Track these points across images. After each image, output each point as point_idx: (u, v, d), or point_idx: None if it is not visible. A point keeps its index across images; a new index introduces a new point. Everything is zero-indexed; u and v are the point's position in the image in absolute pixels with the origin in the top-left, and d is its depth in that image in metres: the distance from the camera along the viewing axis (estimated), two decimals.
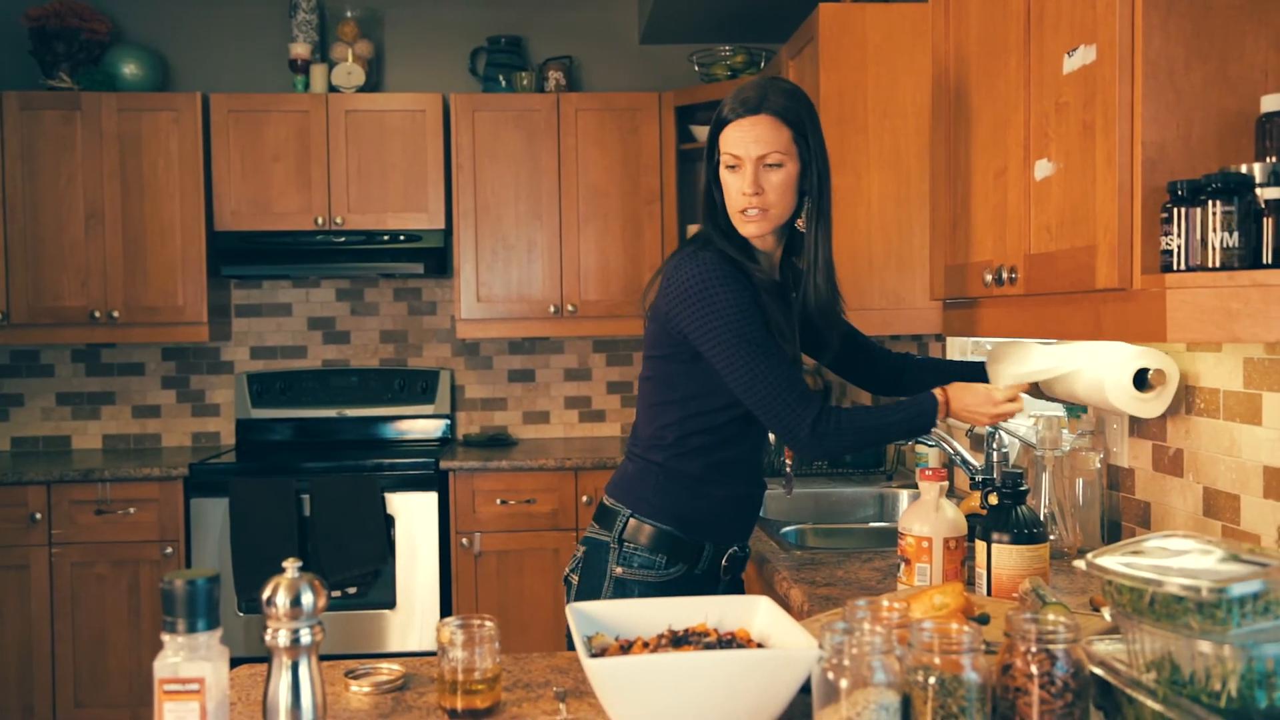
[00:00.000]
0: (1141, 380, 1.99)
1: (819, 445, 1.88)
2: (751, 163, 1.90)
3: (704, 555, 2.00)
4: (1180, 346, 2.01)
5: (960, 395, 1.92)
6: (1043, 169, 1.74)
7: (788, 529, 2.73)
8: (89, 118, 4.15)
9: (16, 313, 4.13)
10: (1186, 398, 2.00)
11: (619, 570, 1.97)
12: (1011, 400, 1.92)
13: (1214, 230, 1.35)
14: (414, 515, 3.91)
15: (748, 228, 1.94)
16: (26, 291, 4.13)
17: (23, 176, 4.12)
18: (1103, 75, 1.53)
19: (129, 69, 4.30)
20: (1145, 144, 1.47)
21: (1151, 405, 2.00)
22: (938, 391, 1.93)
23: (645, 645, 1.32)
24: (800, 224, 1.98)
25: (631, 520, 1.99)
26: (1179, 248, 1.39)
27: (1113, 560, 1.16)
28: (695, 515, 1.99)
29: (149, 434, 4.57)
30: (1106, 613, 1.53)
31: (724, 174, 1.95)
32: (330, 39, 4.50)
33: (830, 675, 1.12)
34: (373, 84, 4.52)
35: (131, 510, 3.90)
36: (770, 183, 1.91)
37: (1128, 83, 1.49)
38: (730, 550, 2.04)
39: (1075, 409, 2.37)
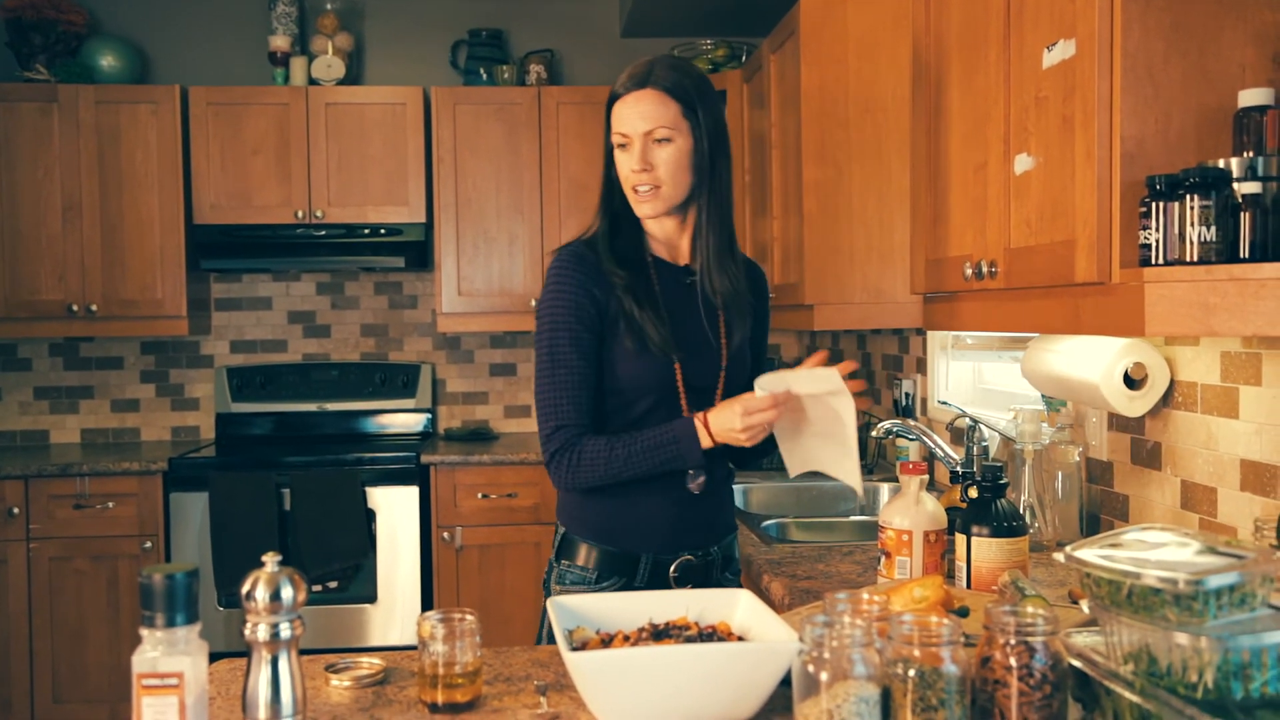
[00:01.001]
0: (1131, 378, 2.00)
1: (556, 478, 1.86)
2: (639, 139, 1.85)
3: (641, 566, 1.89)
4: (1161, 341, 2.02)
5: (717, 416, 1.79)
6: (1022, 163, 1.75)
7: (769, 522, 2.74)
8: (66, 110, 4.12)
9: None
10: (1165, 391, 2.01)
11: (557, 588, 1.92)
12: (763, 410, 1.75)
13: (1192, 225, 1.36)
14: (395, 509, 3.90)
15: (641, 208, 1.89)
16: (3, 285, 4.10)
17: (0, 169, 4.09)
18: (1082, 69, 1.54)
19: (107, 61, 4.27)
20: (1124, 138, 1.48)
21: (1139, 403, 2.02)
22: (697, 416, 1.81)
23: (626, 639, 1.32)
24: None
25: (565, 536, 1.94)
26: (1157, 242, 1.39)
27: (1091, 553, 1.17)
28: (618, 525, 1.90)
29: (128, 428, 4.54)
30: (1085, 605, 1.54)
31: (616, 154, 1.90)
32: (310, 31, 4.48)
33: (810, 668, 1.13)
34: (353, 77, 4.50)
35: (110, 505, 3.88)
36: (660, 158, 1.85)
37: (1107, 77, 1.50)
38: (680, 559, 1.91)
39: (1054, 403, 2.38)
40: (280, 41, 4.35)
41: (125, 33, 4.47)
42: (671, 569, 1.90)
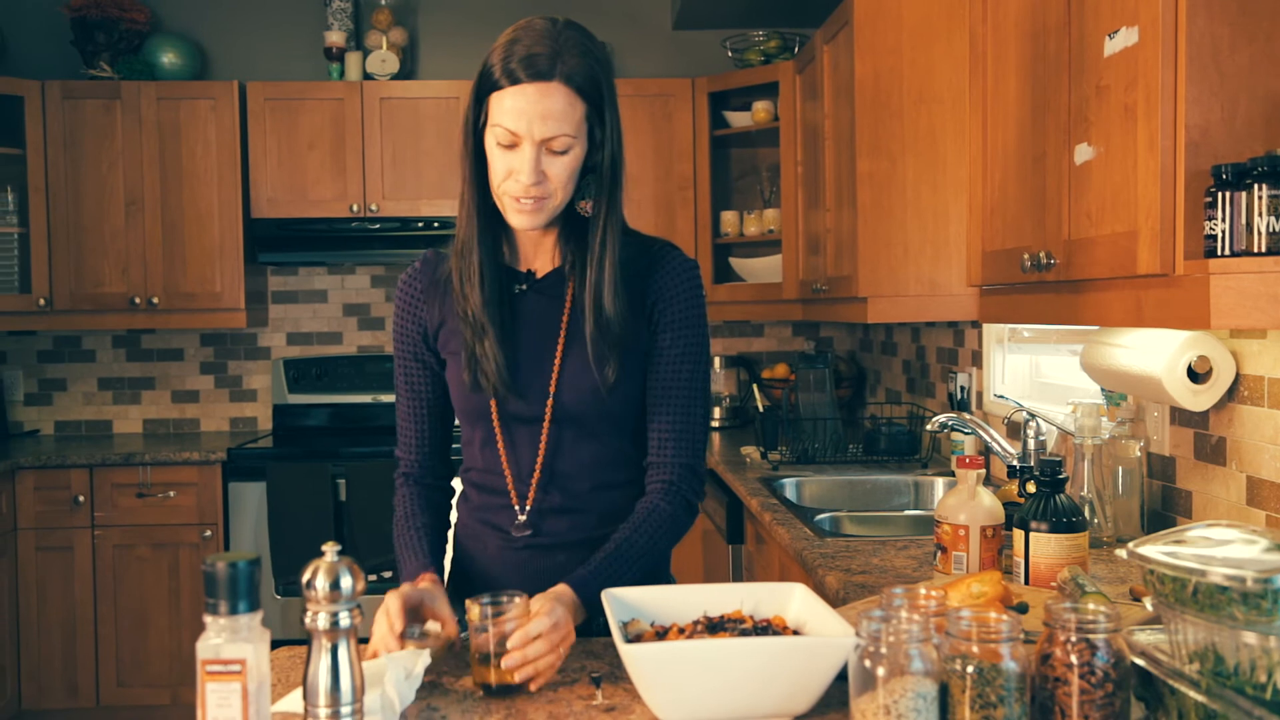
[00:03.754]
0: (1194, 371, 1.96)
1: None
2: (534, 145, 1.49)
3: None
4: (1226, 334, 1.98)
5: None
6: (1083, 153, 1.72)
7: (821, 516, 2.73)
8: (129, 106, 4.19)
9: (59, 299, 4.18)
10: (1230, 385, 1.98)
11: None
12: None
13: (1259, 214, 1.33)
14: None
15: (518, 219, 1.54)
16: (69, 278, 4.19)
17: (65, 165, 4.17)
18: (1145, 57, 1.51)
19: (168, 58, 4.34)
20: (1188, 127, 1.45)
21: (1203, 397, 1.98)
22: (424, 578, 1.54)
23: (681, 631, 1.32)
24: (585, 208, 1.59)
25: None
26: (1223, 232, 1.37)
27: (1155, 550, 1.15)
28: (460, 574, 1.74)
29: (188, 419, 4.62)
30: (1148, 602, 1.52)
31: (494, 149, 1.52)
32: (365, 27, 4.52)
33: (867, 663, 1.12)
34: (407, 71, 4.53)
35: (171, 494, 3.95)
36: (554, 169, 1.51)
37: (1170, 65, 1.47)
38: None
39: (1114, 397, 2.34)
40: (335, 37, 4.40)
41: (185, 30, 4.54)
42: None
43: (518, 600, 1.35)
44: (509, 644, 1.32)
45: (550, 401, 1.60)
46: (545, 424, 1.62)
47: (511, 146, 1.50)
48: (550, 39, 1.50)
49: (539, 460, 1.63)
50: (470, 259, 1.59)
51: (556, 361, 1.61)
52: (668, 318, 1.63)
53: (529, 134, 1.48)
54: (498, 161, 1.53)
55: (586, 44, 1.54)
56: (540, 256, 1.66)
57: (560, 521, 1.65)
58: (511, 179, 1.51)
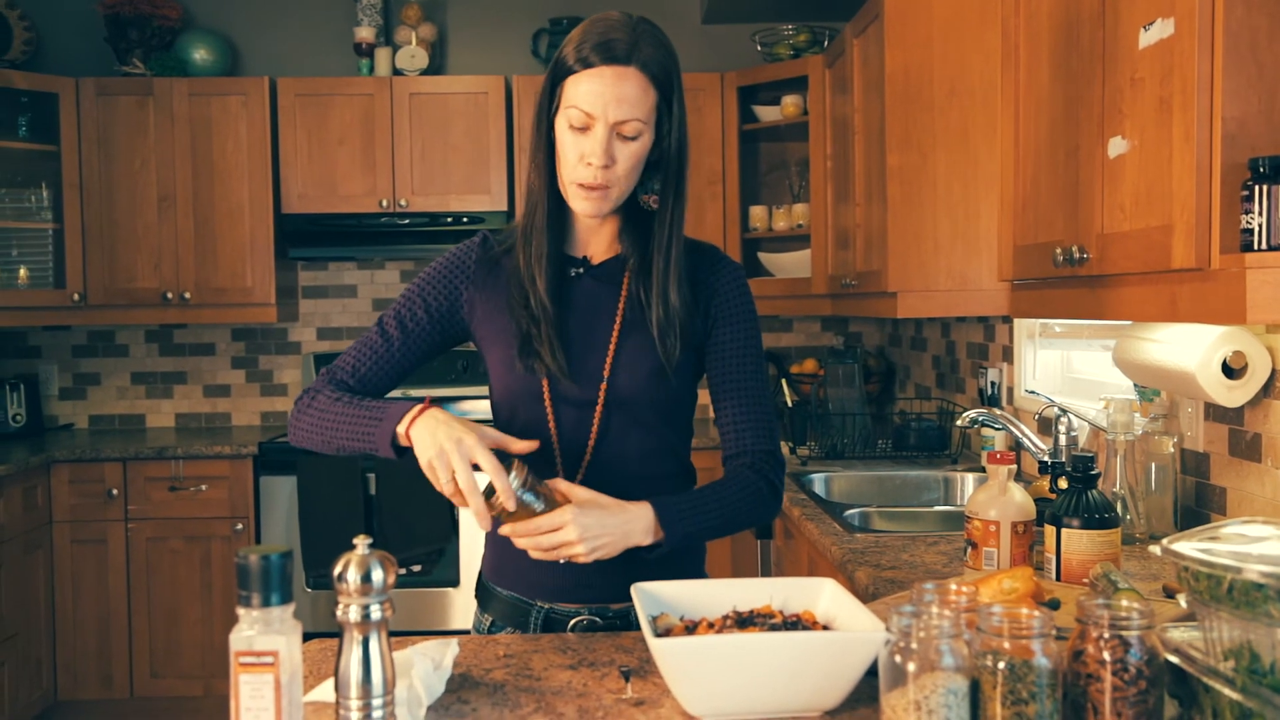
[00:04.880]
0: (1230, 367, 1.94)
1: (290, 421, 1.65)
2: (606, 127, 1.52)
3: (533, 617, 1.66)
4: (1262, 329, 1.96)
5: (439, 423, 1.48)
6: (1117, 146, 1.70)
7: (851, 512, 2.72)
8: (161, 103, 4.23)
9: (93, 294, 4.23)
10: (1266, 381, 1.95)
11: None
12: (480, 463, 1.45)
13: None
14: None
15: (584, 204, 1.57)
16: (102, 273, 4.23)
17: (99, 161, 4.22)
18: (1181, 49, 1.49)
19: (199, 54, 4.38)
20: (1225, 120, 1.43)
21: (1238, 393, 1.95)
22: (420, 407, 1.51)
23: (710, 626, 1.32)
24: (649, 201, 1.62)
25: (479, 576, 1.77)
26: (1260, 226, 1.35)
27: (1189, 546, 1.14)
28: (509, 565, 1.68)
29: (219, 413, 4.66)
30: (1182, 599, 1.50)
31: (564, 131, 1.55)
32: (394, 22, 4.54)
33: (898, 658, 1.12)
34: (436, 67, 4.55)
35: (203, 487, 3.99)
36: (622, 156, 1.54)
37: (1207, 56, 1.45)
38: (577, 618, 1.65)
39: (1148, 392, 2.32)
40: (365, 33, 4.42)
41: (216, 26, 4.57)
42: (569, 627, 1.65)
43: (557, 497, 1.42)
44: (514, 530, 1.45)
45: (604, 385, 1.61)
46: (598, 408, 1.61)
47: (584, 129, 1.53)
48: (627, 29, 1.54)
49: (590, 444, 1.62)
50: (537, 242, 1.61)
51: (611, 347, 1.62)
52: (726, 312, 1.66)
53: (603, 115, 1.51)
54: (568, 147, 1.55)
55: (660, 37, 1.58)
56: (596, 244, 1.68)
57: None
58: (581, 163, 1.54)
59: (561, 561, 1.49)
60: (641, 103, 1.53)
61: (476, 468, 1.45)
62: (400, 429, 1.50)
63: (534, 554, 1.47)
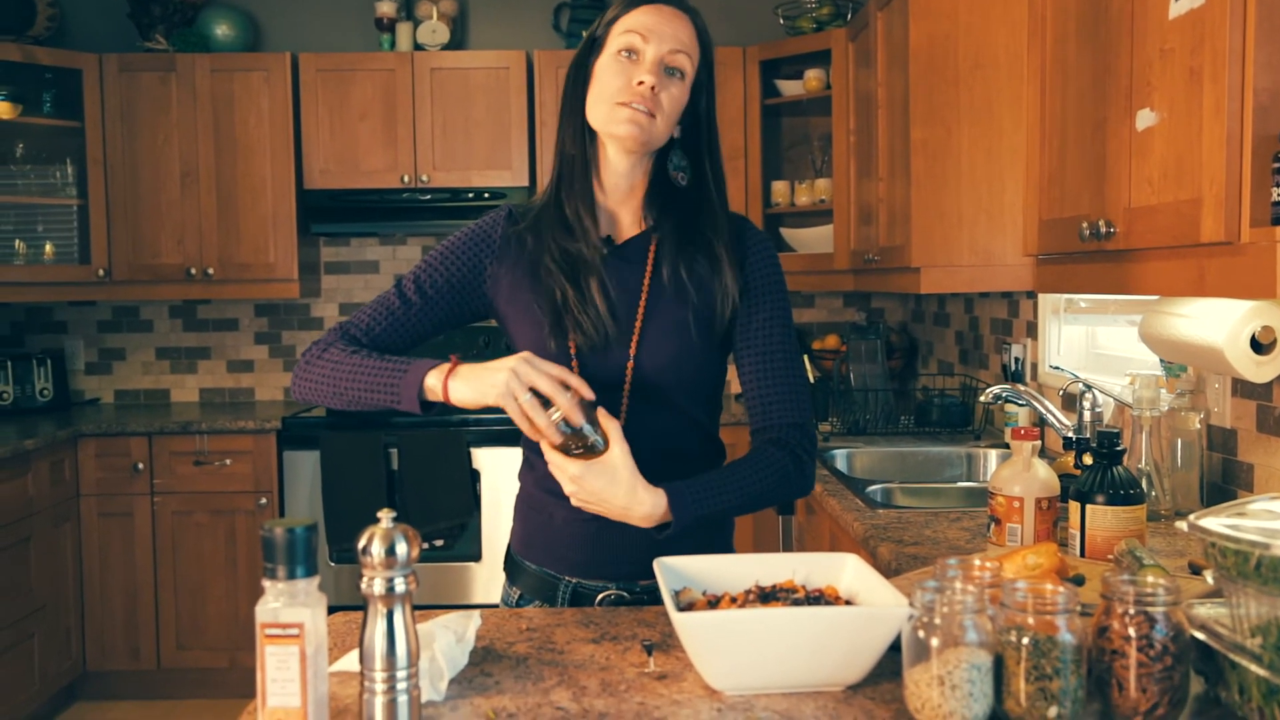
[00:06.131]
0: (1258, 342, 1.92)
1: (295, 373, 1.62)
2: (655, 58, 1.55)
3: (560, 593, 1.66)
4: None
5: (478, 371, 1.45)
6: (1145, 119, 1.68)
7: (873, 488, 2.71)
8: (184, 79, 4.24)
9: (118, 270, 4.25)
10: None
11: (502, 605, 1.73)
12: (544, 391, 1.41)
13: None
14: (499, 470, 3.96)
15: (628, 127, 1.55)
16: (127, 249, 4.26)
17: (122, 137, 4.23)
18: (1212, 19, 1.47)
19: (221, 30, 4.38)
20: (1257, 91, 1.41)
21: (1267, 369, 1.94)
22: (451, 362, 1.49)
23: (733, 600, 1.32)
24: (678, 177, 1.62)
25: (507, 548, 1.78)
26: None
27: (1216, 522, 1.13)
28: (537, 539, 1.69)
29: (243, 388, 4.69)
30: (1208, 575, 1.49)
31: (610, 62, 1.56)
32: None
33: (921, 634, 1.11)
34: (457, 41, 4.53)
35: (228, 461, 4.02)
36: (666, 91, 1.56)
37: (1239, 26, 1.43)
38: (605, 592, 1.64)
39: (1174, 368, 2.30)
40: (386, 7, 4.41)
41: (238, 2, 4.57)
42: (596, 601, 1.65)
43: (602, 437, 1.42)
44: (567, 468, 1.44)
45: (630, 364, 1.59)
46: (626, 387, 1.59)
47: (634, 55, 1.56)
48: None
49: (619, 425, 1.59)
50: (581, 187, 1.61)
51: (637, 324, 1.60)
52: (756, 284, 1.63)
53: (657, 40, 1.55)
54: (615, 74, 1.56)
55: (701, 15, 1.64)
56: (620, 223, 1.66)
57: None
58: (630, 86, 1.54)
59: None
60: (691, 47, 1.58)
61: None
62: (432, 382, 1.47)
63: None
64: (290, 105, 4.26)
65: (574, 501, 1.48)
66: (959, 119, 3.02)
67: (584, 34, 4.35)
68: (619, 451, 1.45)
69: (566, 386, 1.41)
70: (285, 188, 4.28)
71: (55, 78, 4.24)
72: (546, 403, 1.41)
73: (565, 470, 1.45)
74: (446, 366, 1.48)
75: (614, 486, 1.45)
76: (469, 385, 1.45)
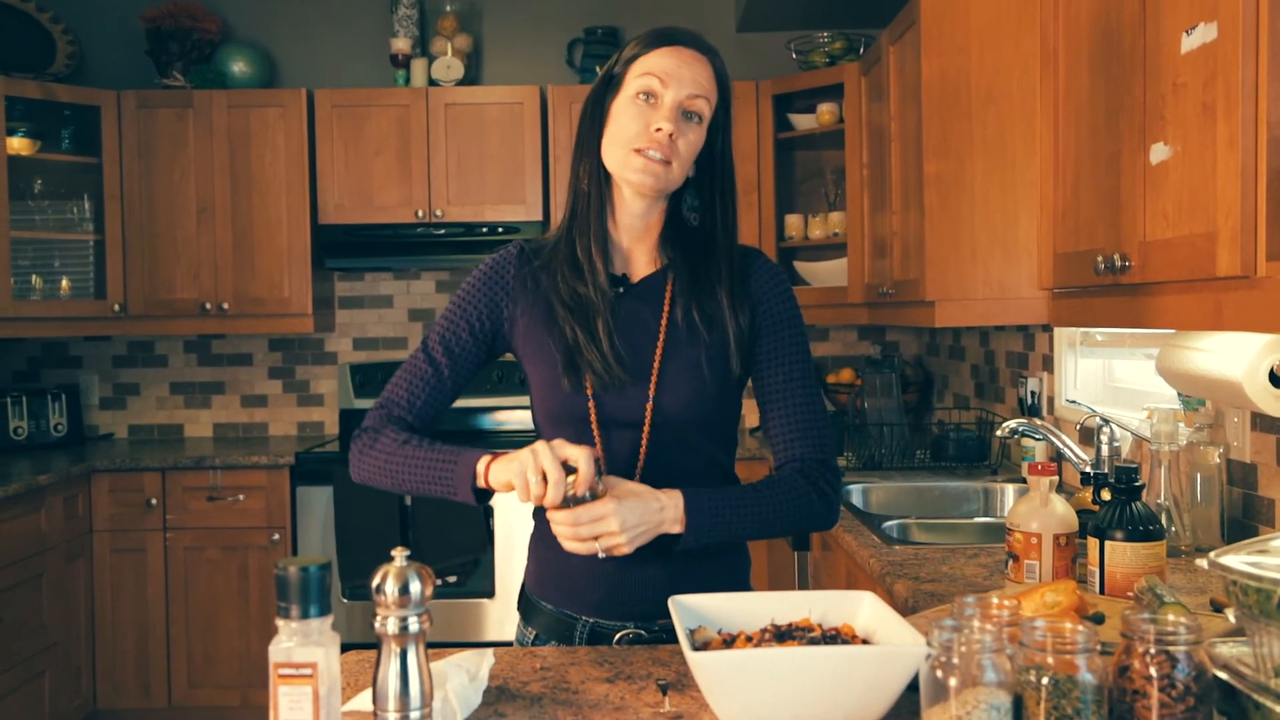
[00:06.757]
0: (1277, 376, 1.91)
1: (350, 460, 1.64)
2: (674, 103, 1.54)
3: (579, 630, 1.63)
4: None
5: (502, 464, 1.50)
6: (1159, 153, 1.68)
7: (889, 523, 2.69)
8: (201, 115, 4.28)
9: (133, 305, 4.28)
10: None
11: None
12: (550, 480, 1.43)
13: None
14: (512, 505, 3.94)
15: (642, 176, 1.54)
16: (143, 284, 4.28)
17: (139, 173, 4.27)
18: (1224, 53, 1.47)
19: (238, 66, 4.42)
20: (1271, 124, 1.41)
21: None
22: (486, 455, 1.52)
23: (748, 639, 1.31)
24: (692, 217, 1.63)
25: (521, 588, 1.76)
26: None
27: (1237, 560, 1.11)
28: (552, 580, 1.66)
29: (257, 423, 4.70)
30: (1230, 613, 1.47)
31: (627, 104, 1.55)
32: (430, 33, 4.56)
33: (939, 673, 1.10)
34: (471, 77, 4.57)
35: (241, 497, 4.02)
36: (683, 136, 1.55)
37: (1251, 60, 1.42)
38: (624, 631, 1.62)
39: (1192, 402, 2.28)
40: (401, 44, 4.45)
41: (255, 39, 4.62)
42: (614, 640, 1.62)
43: (599, 491, 1.43)
44: (557, 516, 1.45)
45: (650, 405, 1.58)
46: (646, 427, 1.58)
47: (652, 100, 1.54)
48: (696, 33, 1.61)
49: (639, 465, 1.59)
50: (595, 228, 1.60)
51: (655, 364, 1.59)
52: (770, 319, 1.63)
53: (676, 85, 1.54)
54: (632, 119, 1.55)
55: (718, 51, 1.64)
56: (636, 260, 1.66)
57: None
58: (648, 131, 1.53)
59: (600, 555, 1.47)
60: (709, 92, 1.57)
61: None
62: (479, 469, 1.51)
63: (569, 545, 1.46)
64: (306, 141, 4.29)
65: (628, 548, 1.45)
66: (972, 152, 3.03)
67: (599, 69, 4.38)
68: (616, 479, 1.49)
69: (571, 468, 1.43)
70: (300, 223, 4.31)
71: (74, 114, 4.29)
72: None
73: (601, 524, 1.44)
74: (489, 457, 1.52)
75: (641, 505, 1.46)
76: (498, 471, 1.50)
